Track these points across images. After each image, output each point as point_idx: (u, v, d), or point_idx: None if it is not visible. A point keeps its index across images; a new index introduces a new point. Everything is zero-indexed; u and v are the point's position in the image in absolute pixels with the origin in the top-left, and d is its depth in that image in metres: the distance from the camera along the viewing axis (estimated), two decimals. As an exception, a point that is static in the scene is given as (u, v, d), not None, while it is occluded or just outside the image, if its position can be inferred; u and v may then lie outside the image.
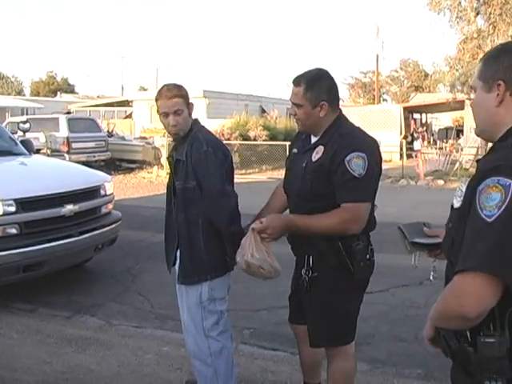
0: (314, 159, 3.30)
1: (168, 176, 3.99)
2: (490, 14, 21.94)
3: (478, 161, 2.07)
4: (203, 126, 3.84)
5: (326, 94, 3.29)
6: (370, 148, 3.27)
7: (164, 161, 20.23)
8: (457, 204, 2.02)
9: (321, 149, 3.28)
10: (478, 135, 2.24)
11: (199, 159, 3.56)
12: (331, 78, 3.36)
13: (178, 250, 3.78)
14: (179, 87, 3.69)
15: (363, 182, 3.16)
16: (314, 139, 3.41)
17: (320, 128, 3.34)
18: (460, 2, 22.68)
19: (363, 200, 3.22)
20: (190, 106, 3.69)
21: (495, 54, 2.07)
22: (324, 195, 3.24)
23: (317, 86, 3.27)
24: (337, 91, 3.40)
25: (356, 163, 3.13)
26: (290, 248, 3.55)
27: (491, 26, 22.21)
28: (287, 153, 3.79)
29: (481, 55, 21.56)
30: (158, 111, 3.72)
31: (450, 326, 1.88)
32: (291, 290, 3.73)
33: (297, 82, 3.31)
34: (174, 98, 3.61)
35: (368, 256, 3.33)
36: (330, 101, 3.31)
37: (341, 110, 3.42)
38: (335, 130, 3.30)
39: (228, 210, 3.57)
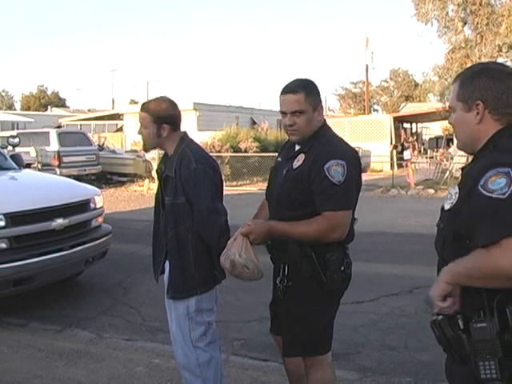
0: (294, 166, 3.33)
1: (157, 188, 3.99)
2: (477, 23, 22.15)
3: (462, 168, 2.33)
4: (192, 140, 3.82)
5: (320, 98, 3.39)
6: (349, 157, 3.30)
7: (155, 174, 20.22)
8: (447, 206, 2.24)
9: (302, 156, 3.32)
10: (460, 149, 2.50)
11: (188, 176, 3.56)
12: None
13: (167, 262, 3.80)
14: (148, 102, 3.83)
15: (342, 189, 3.18)
16: (298, 147, 3.44)
17: (310, 134, 3.36)
18: (447, 13, 22.89)
19: (342, 208, 3.21)
20: (157, 124, 3.70)
21: (470, 76, 2.32)
22: (302, 203, 3.27)
23: (314, 90, 3.34)
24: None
25: (335, 170, 3.16)
26: (270, 257, 3.55)
27: (478, 36, 22.44)
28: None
29: (469, 64, 21.84)
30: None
31: (485, 283, 2.07)
32: (271, 300, 3.73)
33: (293, 90, 3.31)
34: (141, 111, 3.75)
35: (343, 268, 3.30)
36: (322, 105, 3.40)
37: (325, 119, 3.46)
38: (317, 138, 3.33)
39: (218, 227, 3.57)
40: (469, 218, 2.10)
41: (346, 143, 3.46)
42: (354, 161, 3.32)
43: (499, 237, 1.98)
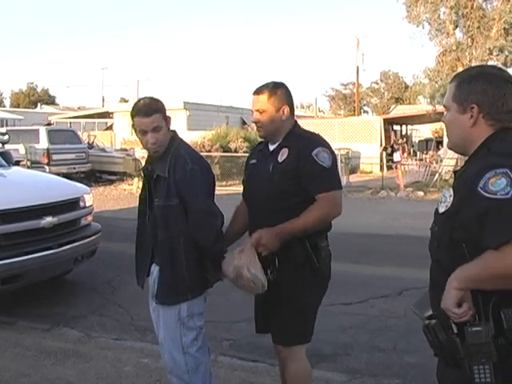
0: (280, 160, 3.50)
1: (142, 188, 3.87)
2: (469, 27, 22.22)
3: (455, 172, 2.33)
4: (182, 140, 3.73)
5: (286, 99, 3.59)
6: (329, 146, 3.56)
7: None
8: (442, 209, 2.23)
9: (285, 151, 3.51)
10: (450, 148, 2.51)
11: (184, 177, 3.45)
12: (288, 88, 3.66)
13: (152, 265, 3.70)
14: (156, 101, 3.53)
15: (332, 172, 3.46)
16: (272, 147, 3.61)
17: (281, 132, 3.57)
18: (439, 15, 22.94)
19: (336, 188, 3.46)
20: (167, 120, 3.55)
21: (468, 78, 2.31)
22: (290, 194, 3.42)
23: (278, 92, 3.57)
24: (293, 100, 3.69)
25: (323, 156, 3.42)
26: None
27: (469, 39, 22.51)
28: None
29: (460, 68, 21.91)
30: (133, 127, 3.56)
31: (495, 284, 2.06)
32: (257, 300, 3.73)
33: (259, 91, 3.59)
34: (152, 114, 3.44)
35: (330, 253, 3.53)
36: (290, 105, 3.61)
37: (296, 120, 3.69)
38: (294, 134, 3.58)
39: (215, 229, 3.50)
40: (469, 221, 2.10)
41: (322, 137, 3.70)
42: (332, 150, 3.56)
43: (509, 237, 1.99)
